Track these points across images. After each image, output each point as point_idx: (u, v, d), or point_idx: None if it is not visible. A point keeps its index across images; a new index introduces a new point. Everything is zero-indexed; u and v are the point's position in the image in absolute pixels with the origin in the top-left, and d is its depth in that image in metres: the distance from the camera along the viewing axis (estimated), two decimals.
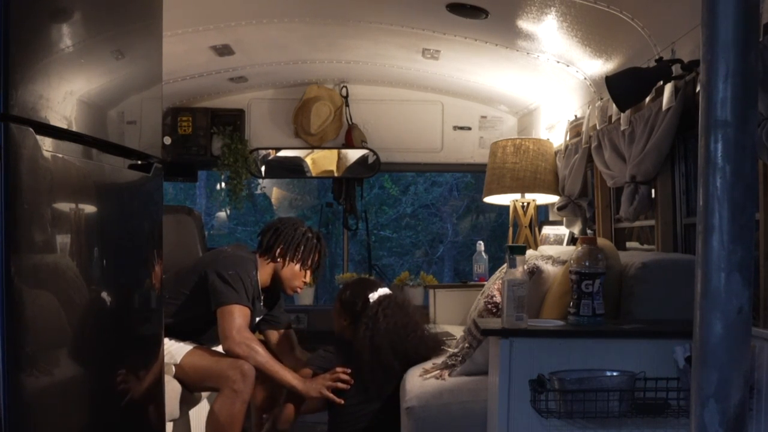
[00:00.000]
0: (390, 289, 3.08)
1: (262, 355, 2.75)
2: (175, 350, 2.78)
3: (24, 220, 1.47)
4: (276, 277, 3.04)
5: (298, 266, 3.03)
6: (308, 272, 3.06)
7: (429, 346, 2.86)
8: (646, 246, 3.15)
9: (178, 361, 2.76)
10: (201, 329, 2.92)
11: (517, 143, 3.90)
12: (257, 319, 3.07)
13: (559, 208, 3.75)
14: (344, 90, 4.68)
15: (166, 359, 2.70)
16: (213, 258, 2.99)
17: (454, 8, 3.03)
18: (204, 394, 3.02)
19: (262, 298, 3.05)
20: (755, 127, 1.05)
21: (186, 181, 6.18)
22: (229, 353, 2.75)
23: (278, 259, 3.01)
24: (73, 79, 1.68)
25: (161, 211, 2.16)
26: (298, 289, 3.10)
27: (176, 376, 2.75)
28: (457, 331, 3.01)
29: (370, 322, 2.83)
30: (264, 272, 3.02)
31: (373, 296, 2.94)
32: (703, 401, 1.03)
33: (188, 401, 2.81)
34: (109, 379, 1.86)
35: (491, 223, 10.67)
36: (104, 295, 1.83)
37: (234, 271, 2.82)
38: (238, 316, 2.76)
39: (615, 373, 1.86)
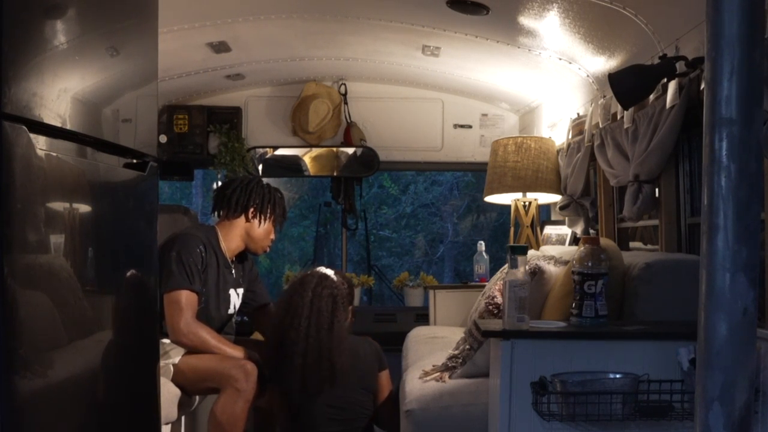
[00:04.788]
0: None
1: (212, 341, 2.72)
2: (172, 350, 2.76)
3: (17, 219, 1.46)
4: (245, 239, 2.96)
5: (269, 224, 2.98)
6: (274, 230, 3.02)
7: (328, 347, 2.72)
8: (649, 246, 3.13)
9: (177, 361, 2.74)
10: None
11: (518, 142, 3.88)
12: (237, 291, 2.99)
13: (561, 208, 3.73)
14: (343, 87, 4.66)
15: (164, 360, 2.68)
16: (161, 244, 2.83)
17: (454, 4, 3.01)
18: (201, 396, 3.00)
19: (233, 268, 2.98)
20: (761, 125, 1.04)
21: (182, 180, 6.17)
22: (178, 344, 2.73)
23: (251, 219, 2.94)
24: (67, 77, 1.67)
25: (156, 210, 2.15)
26: (268, 249, 3.05)
27: (174, 377, 2.72)
28: (458, 333, 2.98)
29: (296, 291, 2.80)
30: (233, 236, 2.94)
31: (317, 270, 2.88)
32: (708, 404, 1.02)
33: (185, 403, 2.78)
34: (104, 381, 1.84)
35: (492, 223, 10.66)
36: (99, 295, 1.81)
37: (175, 252, 2.74)
38: (184, 305, 2.69)
39: (618, 375, 1.84)
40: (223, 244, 2.92)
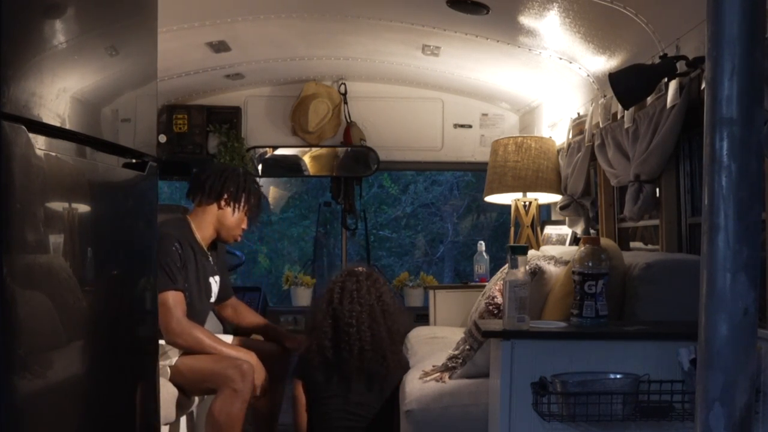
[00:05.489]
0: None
1: (207, 341, 2.72)
2: (170, 350, 2.76)
3: (16, 219, 1.45)
4: (217, 227, 2.93)
5: (242, 213, 2.94)
6: (246, 219, 2.98)
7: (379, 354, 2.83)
8: (650, 246, 3.13)
9: (174, 362, 2.73)
10: None
11: (518, 141, 3.87)
12: (215, 279, 2.97)
13: (562, 208, 3.73)
14: (342, 87, 4.66)
15: (162, 360, 2.68)
16: None
17: (454, 4, 3.01)
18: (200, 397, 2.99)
19: (209, 255, 2.95)
20: (761, 125, 1.04)
21: (181, 180, 6.17)
22: (173, 345, 2.71)
23: (224, 207, 2.91)
24: (66, 77, 1.66)
25: (156, 210, 2.14)
26: (238, 238, 3.00)
27: (172, 377, 2.72)
28: (458, 333, 2.97)
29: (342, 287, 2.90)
30: (206, 224, 2.91)
31: (359, 269, 2.97)
32: (709, 404, 1.01)
33: (184, 404, 2.78)
34: (104, 382, 1.84)
35: (492, 223, 10.64)
36: (98, 295, 1.81)
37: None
38: (172, 305, 2.68)
39: (618, 376, 1.84)
40: (197, 234, 2.89)
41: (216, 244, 3.03)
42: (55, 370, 1.59)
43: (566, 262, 2.50)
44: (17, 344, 1.45)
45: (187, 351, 2.74)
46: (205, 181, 2.92)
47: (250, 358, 2.74)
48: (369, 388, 2.84)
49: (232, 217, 2.93)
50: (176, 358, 2.74)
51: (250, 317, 3.25)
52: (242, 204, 2.93)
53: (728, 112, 1.00)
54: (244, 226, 2.99)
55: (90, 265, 1.75)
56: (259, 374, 2.74)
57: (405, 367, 2.94)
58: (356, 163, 4.75)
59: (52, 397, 1.59)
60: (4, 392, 1.42)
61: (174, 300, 2.70)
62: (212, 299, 2.99)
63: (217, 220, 2.92)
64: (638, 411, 1.82)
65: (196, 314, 2.84)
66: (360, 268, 2.99)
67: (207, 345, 2.72)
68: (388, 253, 10.90)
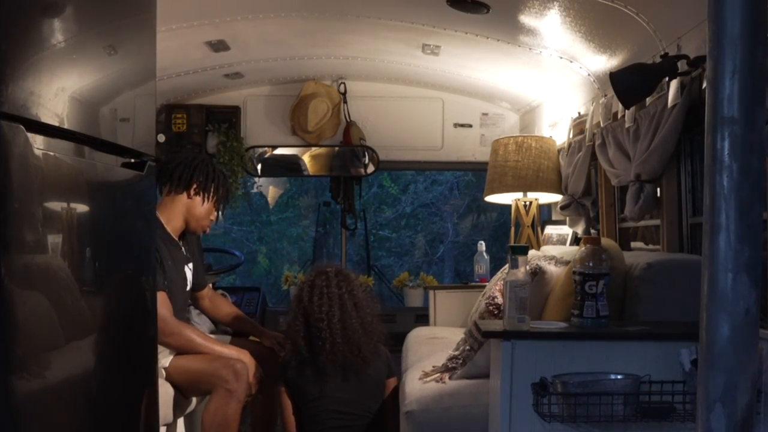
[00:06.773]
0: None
1: (198, 339, 2.71)
2: (162, 352, 2.74)
3: (14, 219, 1.45)
4: (186, 216, 2.90)
5: (211, 203, 2.92)
6: (215, 209, 2.96)
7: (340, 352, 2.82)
8: (651, 246, 3.12)
9: (167, 365, 2.71)
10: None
11: (519, 141, 3.87)
12: (189, 266, 2.95)
13: (562, 208, 3.72)
14: (342, 86, 4.65)
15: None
16: None
17: (454, 3, 3.01)
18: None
19: (181, 245, 2.93)
20: (763, 124, 1.03)
21: None
22: (164, 346, 2.69)
23: (194, 196, 2.88)
24: (64, 76, 1.65)
25: (154, 210, 2.14)
26: (207, 229, 2.98)
27: (167, 380, 2.70)
28: (458, 334, 2.97)
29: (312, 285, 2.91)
30: (175, 214, 2.88)
31: (329, 268, 2.98)
32: (710, 405, 1.01)
33: (181, 405, 2.77)
34: (102, 382, 1.83)
35: (493, 223, 10.64)
36: (97, 296, 1.80)
37: None
38: (159, 305, 2.60)
39: (619, 377, 1.83)
40: (167, 227, 2.86)
41: (185, 232, 2.99)
42: (53, 370, 1.59)
43: (567, 262, 2.49)
44: (15, 345, 1.44)
45: (179, 351, 2.73)
46: (173, 170, 2.89)
47: (243, 356, 2.72)
48: (345, 379, 2.84)
49: (202, 207, 2.90)
50: (170, 359, 2.72)
51: (227, 310, 3.23)
52: (211, 194, 2.91)
53: (729, 111, 0.99)
54: (213, 216, 2.97)
55: (89, 265, 1.74)
56: (253, 371, 2.73)
57: (384, 359, 2.93)
58: (356, 162, 4.75)
59: (51, 397, 1.58)
60: (3, 392, 1.41)
61: (159, 300, 2.69)
62: (188, 287, 2.97)
63: (186, 209, 2.89)
64: (639, 412, 1.82)
65: (179, 307, 2.83)
66: (329, 267, 2.99)
67: (198, 344, 2.71)
68: (388, 253, 10.90)
